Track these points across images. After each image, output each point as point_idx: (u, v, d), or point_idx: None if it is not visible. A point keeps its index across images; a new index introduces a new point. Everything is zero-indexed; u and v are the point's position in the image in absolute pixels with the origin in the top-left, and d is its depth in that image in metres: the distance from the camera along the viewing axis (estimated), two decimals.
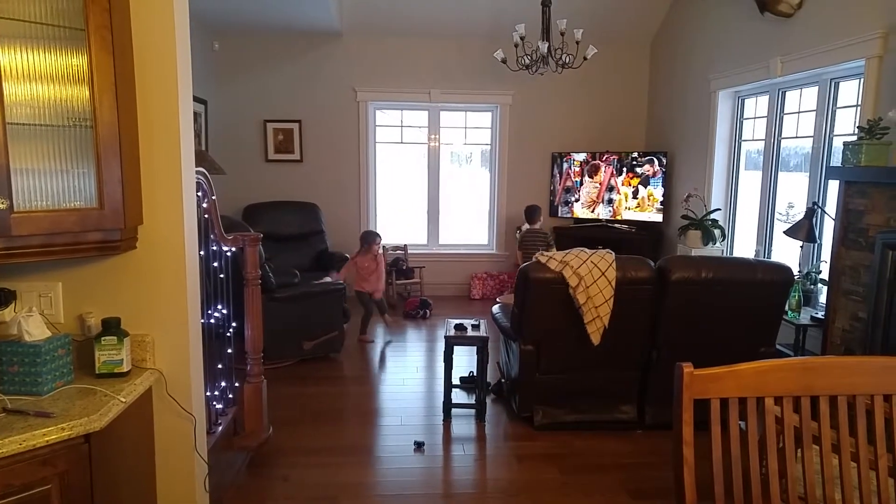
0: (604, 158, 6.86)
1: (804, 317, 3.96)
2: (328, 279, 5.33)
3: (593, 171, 6.99)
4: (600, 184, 7.01)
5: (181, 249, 2.07)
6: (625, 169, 6.74)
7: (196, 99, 6.02)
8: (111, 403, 1.76)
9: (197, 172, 2.35)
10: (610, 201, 7.02)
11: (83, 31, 1.69)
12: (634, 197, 6.80)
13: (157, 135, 1.99)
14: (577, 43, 5.33)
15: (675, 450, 1.45)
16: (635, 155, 6.69)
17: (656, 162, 6.51)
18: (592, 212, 7.05)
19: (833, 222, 3.63)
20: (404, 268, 6.90)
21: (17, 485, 1.57)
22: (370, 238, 5.59)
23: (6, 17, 1.59)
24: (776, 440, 1.49)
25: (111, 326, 1.94)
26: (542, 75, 5.83)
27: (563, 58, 5.46)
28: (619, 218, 6.89)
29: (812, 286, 4.26)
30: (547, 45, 5.38)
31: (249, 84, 6.90)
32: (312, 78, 6.93)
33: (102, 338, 1.91)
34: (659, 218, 6.59)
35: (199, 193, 2.54)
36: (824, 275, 4.04)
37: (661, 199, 6.58)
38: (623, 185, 6.76)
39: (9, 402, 1.71)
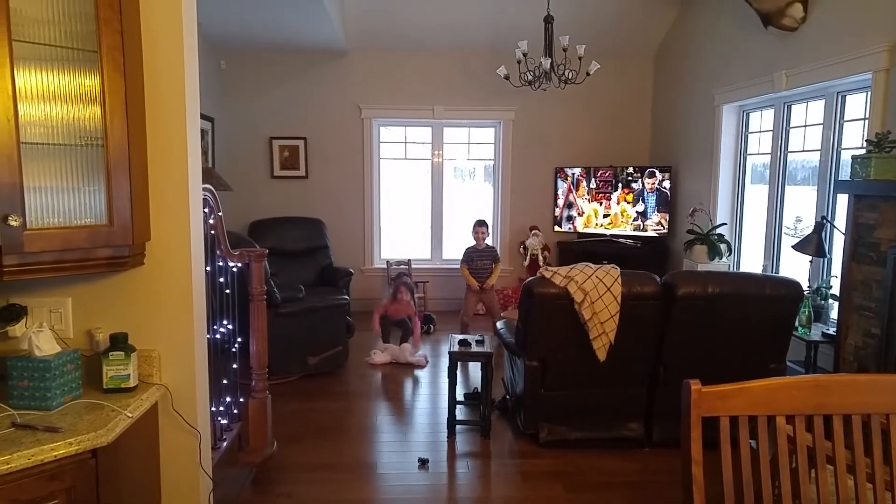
0: (598, 174, 6.88)
1: (815, 333, 3.92)
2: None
3: (577, 187, 7.02)
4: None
5: (188, 265, 2.08)
6: (620, 184, 6.74)
7: (203, 116, 6.06)
8: (118, 418, 1.76)
9: (204, 189, 2.37)
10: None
11: (96, 52, 1.72)
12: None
13: (165, 152, 2.01)
14: (580, 58, 5.35)
15: (685, 469, 1.44)
16: (630, 170, 6.70)
17: (658, 174, 6.53)
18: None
19: (843, 236, 3.61)
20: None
21: (24, 500, 1.57)
22: (397, 282, 5.67)
23: (22, 41, 1.61)
24: (789, 460, 1.48)
25: (119, 342, 1.94)
26: (544, 91, 5.85)
27: (566, 73, 5.48)
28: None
29: (822, 301, 4.22)
30: (550, 61, 5.40)
31: (255, 102, 6.95)
32: (317, 95, 6.98)
33: (110, 353, 1.92)
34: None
35: (206, 210, 2.55)
36: (835, 290, 4.02)
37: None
38: (618, 201, 6.76)
39: (18, 416, 1.72)
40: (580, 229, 7.06)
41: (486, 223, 6.05)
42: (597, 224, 6.93)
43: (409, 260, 7.10)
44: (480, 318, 6.94)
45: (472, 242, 5.99)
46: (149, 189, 1.99)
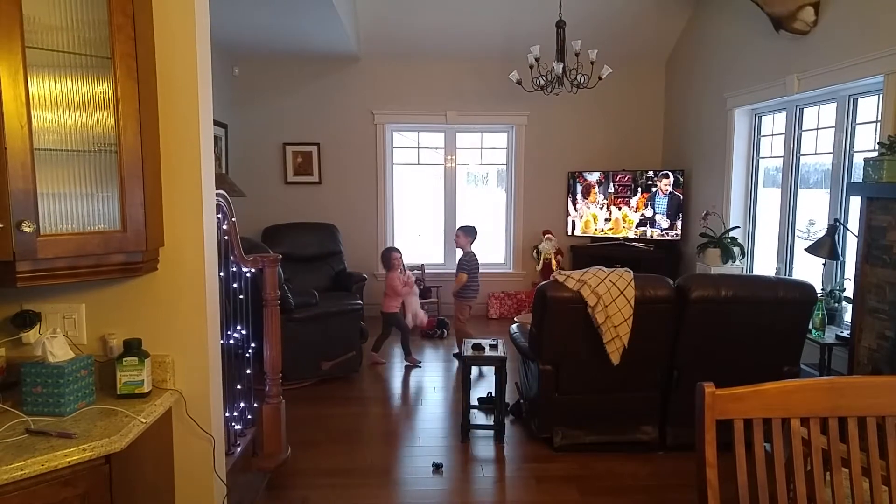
0: (616, 178, 6.86)
1: (829, 336, 3.89)
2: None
3: (586, 192, 7.01)
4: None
5: (201, 271, 2.08)
6: (639, 189, 6.72)
7: (216, 123, 6.11)
8: (132, 424, 1.76)
9: (217, 195, 2.38)
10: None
11: (109, 59, 1.73)
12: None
13: (178, 158, 2.02)
14: (592, 63, 5.34)
15: (699, 472, 1.43)
16: (650, 174, 6.67)
17: (672, 178, 6.53)
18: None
19: (856, 239, 3.58)
20: (421, 287, 6.90)
21: None
22: (385, 255, 5.59)
23: (36, 48, 1.63)
24: (803, 462, 1.46)
25: (132, 347, 1.95)
26: (557, 95, 5.85)
27: (579, 78, 5.47)
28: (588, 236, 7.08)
29: (836, 304, 4.19)
30: (562, 66, 5.40)
31: (269, 108, 7.00)
32: (330, 101, 7.02)
33: (124, 359, 1.93)
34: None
35: (220, 215, 2.57)
36: (848, 293, 3.98)
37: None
38: (637, 206, 6.74)
39: (32, 422, 1.73)
40: (575, 234, 7.13)
41: (463, 230, 5.64)
42: (596, 230, 6.96)
43: (422, 265, 7.10)
44: (494, 322, 6.96)
45: (471, 250, 5.67)
46: (162, 195, 2.01)
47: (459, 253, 5.62)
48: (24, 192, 1.58)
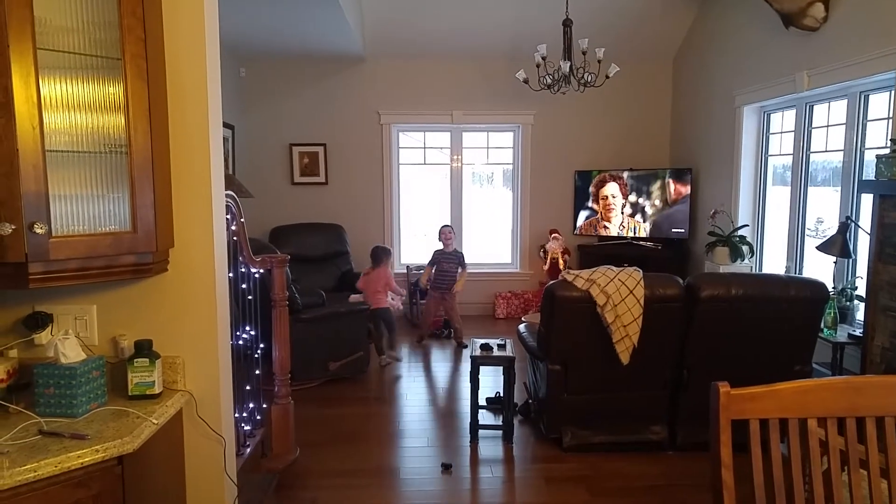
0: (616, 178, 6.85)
1: (841, 334, 3.86)
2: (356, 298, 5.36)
3: (598, 186, 7.01)
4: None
5: (211, 272, 2.08)
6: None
7: (223, 124, 6.11)
8: (144, 425, 1.76)
9: (226, 195, 2.38)
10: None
11: (119, 60, 1.73)
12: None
13: (188, 159, 2.02)
14: (599, 62, 5.33)
15: (714, 473, 1.42)
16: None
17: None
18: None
19: (868, 237, 3.55)
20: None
21: None
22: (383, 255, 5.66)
23: (47, 49, 1.63)
24: (820, 463, 1.45)
25: (143, 348, 1.95)
26: (564, 94, 5.83)
27: (586, 77, 5.46)
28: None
29: (848, 303, 4.16)
30: (569, 65, 5.38)
31: (275, 109, 7.01)
32: (337, 102, 7.03)
33: (135, 360, 1.93)
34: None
35: (228, 216, 2.57)
36: (860, 291, 3.95)
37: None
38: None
39: (44, 423, 1.73)
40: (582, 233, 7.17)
41: (452, 227, 6.11)
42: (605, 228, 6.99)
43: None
44: (501, 322, 6.94)
45: (441, 246, 6.04)
46: (172, 196, 2.01)
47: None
48: (35, 193, 1.58)
